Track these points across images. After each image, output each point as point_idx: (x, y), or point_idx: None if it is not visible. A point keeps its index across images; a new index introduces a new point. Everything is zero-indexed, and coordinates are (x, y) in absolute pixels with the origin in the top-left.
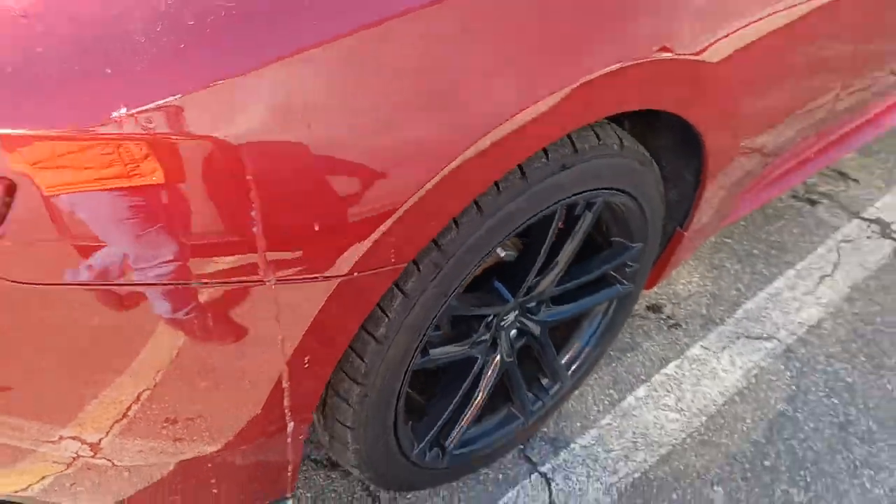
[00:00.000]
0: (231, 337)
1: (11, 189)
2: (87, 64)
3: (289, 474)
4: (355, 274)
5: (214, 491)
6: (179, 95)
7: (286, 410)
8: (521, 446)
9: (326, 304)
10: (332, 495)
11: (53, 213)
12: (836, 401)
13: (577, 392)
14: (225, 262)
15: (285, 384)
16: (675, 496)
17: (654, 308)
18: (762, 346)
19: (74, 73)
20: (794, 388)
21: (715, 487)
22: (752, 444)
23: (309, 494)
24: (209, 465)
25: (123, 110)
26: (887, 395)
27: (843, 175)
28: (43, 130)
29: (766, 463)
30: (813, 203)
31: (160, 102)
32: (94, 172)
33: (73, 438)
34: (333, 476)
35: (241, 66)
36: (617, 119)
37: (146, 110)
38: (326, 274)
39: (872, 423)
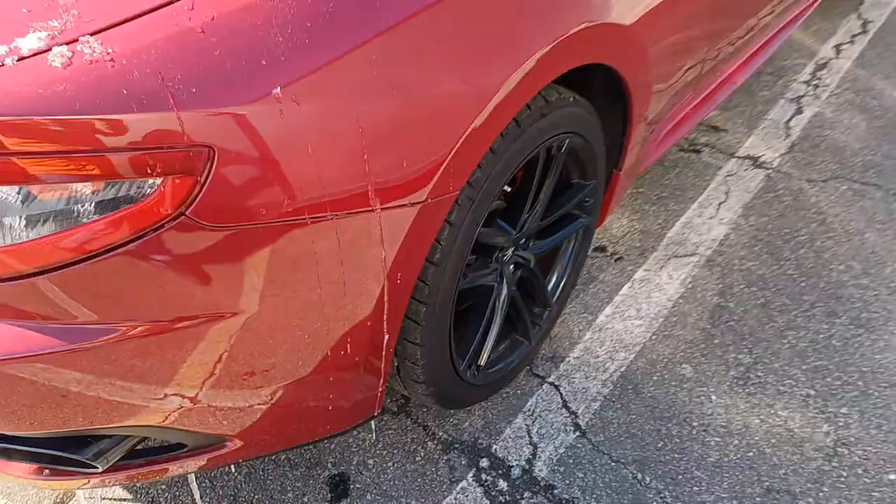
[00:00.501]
0: (356, 256)
1: (212, 153)
2: (250, 60)
3: (379, 390)
4: (429, 200)
5: (329, 408)
6: (307, 75)
7: (384, 323)
8: (529, 367)
9: (412, 226)
10: (390, 431)
11: (244, 170)
12: (754, 289)
13: (559, 320)
14: (350, 194)
15: (385, 298)
16: (655, 377)
17: (600, 249)
18: (689, 261)
19: (242, 67)
20: (721, 285)
21: (683, 366)
22: (702, 331)
23: (370, 436)
24: (329, 379)
25: (278, 89)
26: (790, 279)
27: (714, 128)
28: (231, 108)
29: (716, 341)
30: (697, 152)
31: (297, 81)
32: (264, 139)
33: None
34: (385, 418)
35: (345, 49)
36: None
37: (290, 88)
38: (412, 200)
39: (785, 299)
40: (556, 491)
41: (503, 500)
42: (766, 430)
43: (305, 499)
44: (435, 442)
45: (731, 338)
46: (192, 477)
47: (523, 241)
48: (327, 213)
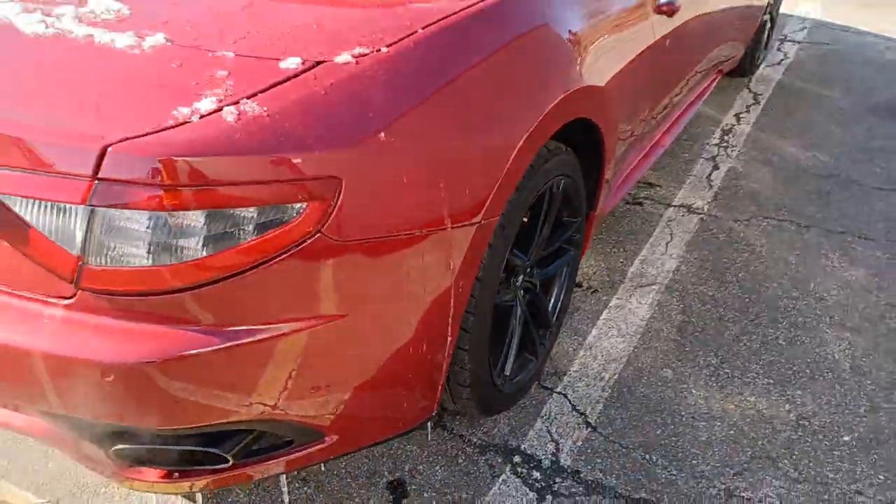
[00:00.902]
0: (434, 267)
1: (340, 183)
2: (361, 112)
3: (439, 389)
4: (482, 222)
5: (405, 404)
6: (399, 122)
7: (449, 326)
8: (538, 381)
9: (469, 244)
10: (431, 443)
11: (361, 196)
12: (709, 306)
13: (556, 341)
14: (432, 215)
15: (451, 304)
16: (644, 381)
17: (577, 285)
18: (652, 288)
19: (357, 117)
20: (681, 305)
21: (664, 370)
22: (673, 342)
23: (412, 447)
24: (409, 375)
25: (382, 134)
26: (736, 296)
27: (650, 184)
28: (351, 148)
29: (687, 349)
30: (640, 204)
31: (393, 127)
32: (374, 172)
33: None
34: (425, 433)
35: (423, 103)
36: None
37: (390, 131)
38: (472, 221)
39: (735, 312)
40: (581, 475)
41: (539, 486)
42: (741, 413)
43: (371, 502)
44: (472, 447)
45: (698, 345)
46: (286, 497)
47: (530, 268)
48: (415, 231)
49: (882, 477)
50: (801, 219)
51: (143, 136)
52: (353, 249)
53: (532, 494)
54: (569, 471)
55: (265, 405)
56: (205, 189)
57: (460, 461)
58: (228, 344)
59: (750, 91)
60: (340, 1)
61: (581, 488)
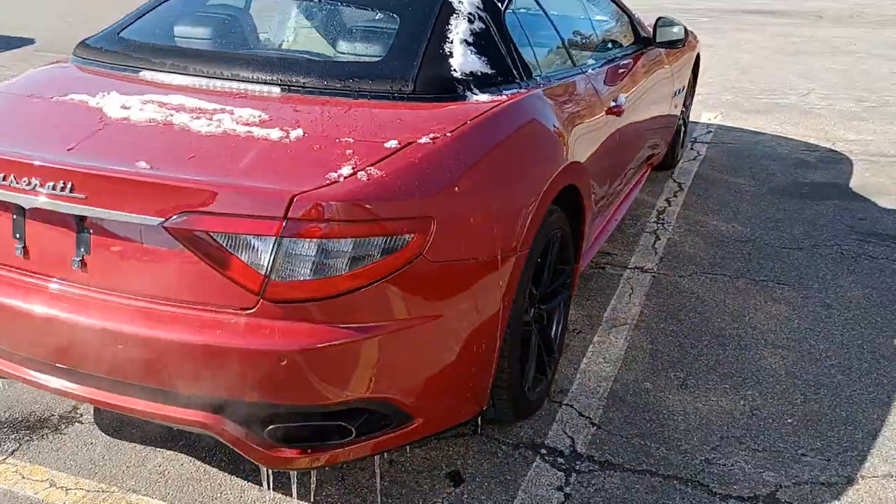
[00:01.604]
0: (492, 284)
1: (433, 220)
2: (442, 171)
3: (489, 387)
4: (518, 252)
5: (468, 395)
6: (464, 177)
7: (499, 330)
8: (548, 397)
9: (511, 269)
10: (473, 447)
11: (447, 230)
12: (671, 338)
13: (557, 369)
14: (488, 246)
15: (501, 314)
16: (630, 392)
17: (565, 327)
18: (624, 328)
19: (440, 173)
20: (650, 338)
21: (645, 383)
22: (648, 364)
23: (459, 448)
24: (472, 370)
25: (456, 188)
26: (690, 330)
27: (608, 253)
28: (438, 196)
29: (659, 368)
30: (602, 268)
31: (460, 181)
32: (452, 213)
33: None
34: (466, 439)
35: (476, 163)
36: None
37: (458, 185)
38: (513, 252)
39: (692, 340)
40: (595, 458)
41: (565, 468)
42: (708, 409)
43: (437, 487)
44: (506, 445)
45: (668, 365)
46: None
47: (539, 301)
48: (479, 257)
49: (819, 444)
50: (731, 272)
51: (314, 189)
52: (442, 268)
53: (560, 474)
54: (585, 456)
55: (381, 387)
56: (351, 225)
57: (499, 455)
58: (364, 336)
59: (674, 181)
60: (415, 106)
61: (596, 466)
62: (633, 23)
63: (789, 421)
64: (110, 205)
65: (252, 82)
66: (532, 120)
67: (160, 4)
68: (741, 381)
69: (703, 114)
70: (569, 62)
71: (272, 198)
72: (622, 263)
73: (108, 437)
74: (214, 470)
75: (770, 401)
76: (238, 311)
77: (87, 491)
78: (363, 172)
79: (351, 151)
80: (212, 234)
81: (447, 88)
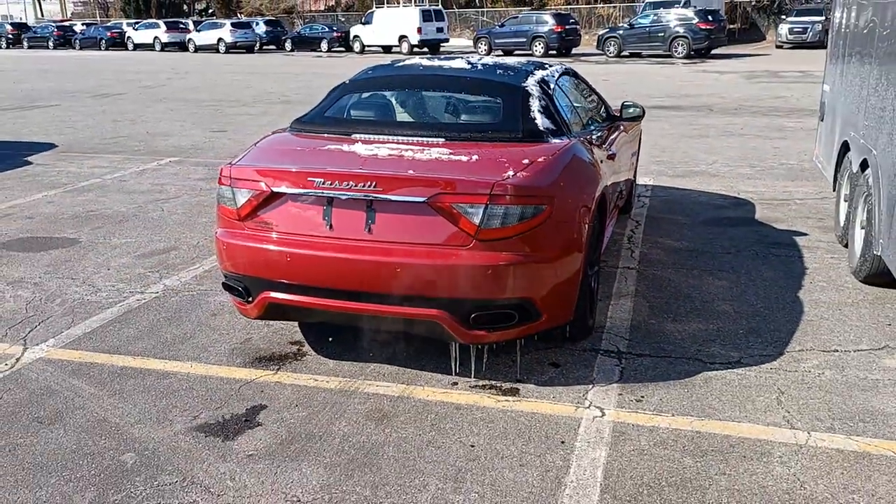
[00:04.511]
0: (580, 232)
1: (554, 198)
2: (550, 174)
3: (575, 300)
4: (590, 223)
5: (567, 301)
6: (562, 179)
7: (581, 269)
8: (594, 329)
9: (587, 231)
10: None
11: (558, 205)
12: (660, 300)
13: (596, 316)
14: (580, 214)
15: (583, 256)
16: (643, 325)
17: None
18: (628, 296)
19: (550, 174)
20: (646, 300)
21: (650, 321)
22: (650, 312)
23: (550, 353)
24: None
25: (562, 183)
26: (670, 296)
27: (603, 261)
28: (550, 186)
29: (657, 313)
30: (601, 267)
31: (560, 180)
32: (562, 195)
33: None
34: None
35: (565, 173)
36: None
37: (560, 181)
38: (589, 224)
39: (674, 300)
40: (633, 352)
41: (617, 356)
42: (692, 330)
43: (545, 368)
44: (578, 351)
45: (661, 312)
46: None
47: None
48: (574, 221)
49: (760, 340)
50: (687, 266)
51: (500, 181)
52: (559, 226)
53: (614, 359)
54: (626, 352)
55: (529, 291)
56: (519, 198)
57: (575, 354)
58: (525, 259)
59: (633, 220)
60: (525, 145)
61: (634, 355)
62: (605, 104)
63: (741, 332)
64: (395, 193)
65: (425, 136)
66: (583, 153)
67: (341, 97)
68: (708, 317)
69: (639, 178)
70: (583, 126)
71: (482, 185)
72: (614, 266)
73: (331, 359)
74: (410, 370)
75: (727, 324)
76: (461, 247)
77: (340, 381)
78: (521, 173)
79: (507, 164)
80: (451, 204)
81: (538, 136)
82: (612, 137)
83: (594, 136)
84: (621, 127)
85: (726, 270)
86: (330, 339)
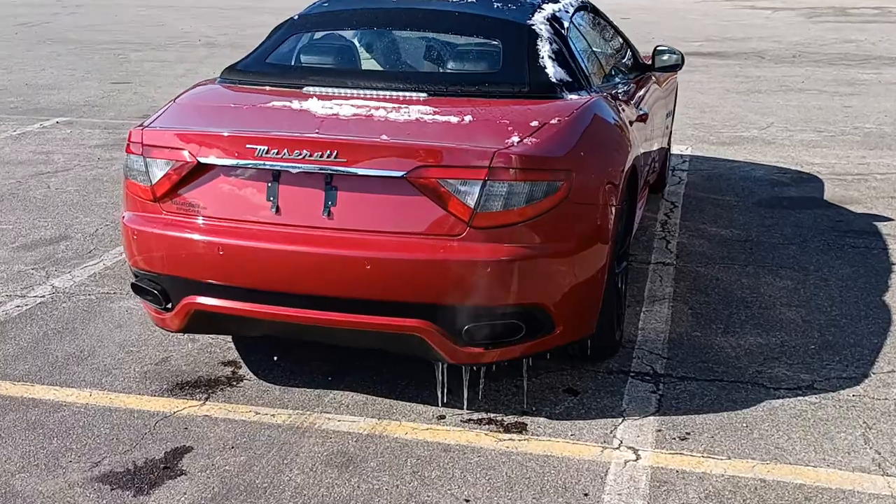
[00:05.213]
0: (606, 221)
1: (573, 172)
2: (569, 140)
3: (599, 309)
4: (618, 205)
5: (585, 315)
6: (579, 149)
7: (606, 268)
8: (621, 344)
9: (614, 215)
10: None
11: (577, 178)
12: (703, 308)
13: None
14: (606, 195)
15: (609, 251)
16: (685, 338)
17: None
18: (665, 300)
19: (569, 140)
20: (687, 305)
21: (694, 333)
22: (693, 322)
23: (566, 377)
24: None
25: (581, 153)
26: (717, 301)
27: (631, 254)
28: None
29: (702, 323)
30: (629, 264)
31: (577, 150)
32: (582, 167)
33: None
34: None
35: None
36: None
37: (580, 149)
38: (617, 204)
39: (720, 308)
40: (673, 375)
41: (653, 381)
42: (749, 344)
43: (560, 397)
44: (601, 373)
45: (708, 321)
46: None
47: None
48: (598, 202)
49: (837, 358)
50: (739, 262)
51: (504, 149)
52: (579, 209)
53: (650, 385)
54: (665, 374)
55: (541, 294)
56: (528, 172)
57: (598, 379)
58: (535, 253)
59: (667, 201)
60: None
61: (676, 379)
62: (633, 49)
63: (812, 347)
64: (363, 165)
65: (401, 90)
66: (608, 113)
67: (288, 38)
68: (769, 327)
69: (673, 147)
70: (605, 78)
71: (479, 154)
72: (645, 261)
73: (277, 385)
74: (383, 398)
75: (794, 337)
76: (451, 237)
77: (289, 414)
78: (529, 139)
79: (511, 127)
80: (438, 180)
81: (550, 90)
82: (642, 93)
83: (620, 91)
84: (653, 79)
85: (790, 267)
86: (275, 358)
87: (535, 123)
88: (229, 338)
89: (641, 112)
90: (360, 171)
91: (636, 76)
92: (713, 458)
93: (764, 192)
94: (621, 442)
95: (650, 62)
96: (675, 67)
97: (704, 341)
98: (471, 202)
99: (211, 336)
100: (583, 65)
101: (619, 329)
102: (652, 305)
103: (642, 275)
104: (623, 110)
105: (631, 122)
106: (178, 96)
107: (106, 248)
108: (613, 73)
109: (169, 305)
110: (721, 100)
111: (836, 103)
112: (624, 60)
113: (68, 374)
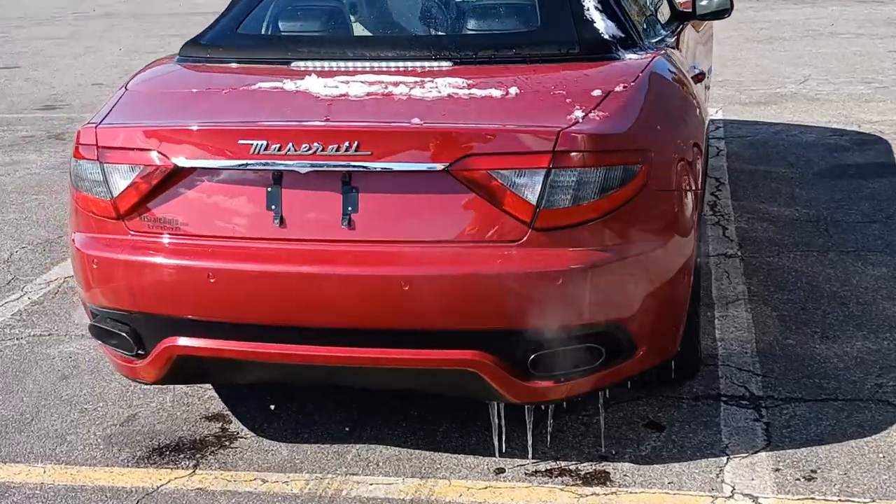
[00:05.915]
0: (690, 221)
1: (650, 154)
2: (646, 118)
3: (682, 328)
4: (699, 189)
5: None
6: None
7: (691, 269)
8: (702, 362)
9: (696, 202)
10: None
11: (660, 162)
12: (787, 308)
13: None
14: (685, 180)
15: (693, 247)
16: (777, 348)
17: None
18: (740, 302)
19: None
20: (769, 306)
21: (787, 340)
22: (782, 326)
23: (644, 408)
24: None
25: (658, 127)
26: (803, 295)
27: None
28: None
29: (793, 327)
30: None
31: (654, 133)
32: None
33: None
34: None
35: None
36: None
37: (656, 123)
38: (698, 188)
39: (809, 304)
40: (775, 396)
41: (753, 406)
42: (858, 351)
43: (642, 434)
44: (686, 400)
45: (800, 324)
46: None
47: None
48: (681, 188)
49: None
50: (816, 248)
51: (571, 126)
52: (661, 197)
53: (750, 411)
54: (765, 396)
55: (622, 310)
56: (602, 155)
57: (683, 407)
58: (615, 257)
59: (709, 177)
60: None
61: (780, 402)
62: None
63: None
64: (392, 158)
65: (418, 58)
66: (672, 73)
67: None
68: (875, 328)
69: None
70: (650, 31)
71: (542, 135)
72: (702, 253)
73: (283, 442)
74: (422, 451)
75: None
76: (510, 243)
77: (307, 480)
78: (594, 113)
79: (571, 101)
80: (489, 172)
81: (604, 49)
82: (691, 46)
83: (671, 46)
84: (692, 28)
85: (879, 250)
86: (272, 407)
87: (597, 93)
88: (208, 385)
89: (697, 71)
90: (389, 166)
91: (677, 25)
92: (853, 500)
93: (822, 159)
94: (733, 489)
95: (691, 8)
96: (721, 14)
97: (801, 350)
98: (532, 198)
99: (184, 385)
100: (632, 15)
101: (699, 344)
102: (726, 309)
103: (704, 271)
104: (685, 70)
105: (692, 83)
106: (129, 81)
107: (27, 276)
108: (652, 21)
109: (141, 352)
110: (742, 50)
111: (879, 48)
112: (660, 6)
113: (10, 446)
